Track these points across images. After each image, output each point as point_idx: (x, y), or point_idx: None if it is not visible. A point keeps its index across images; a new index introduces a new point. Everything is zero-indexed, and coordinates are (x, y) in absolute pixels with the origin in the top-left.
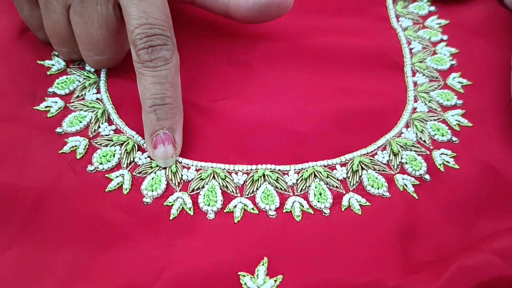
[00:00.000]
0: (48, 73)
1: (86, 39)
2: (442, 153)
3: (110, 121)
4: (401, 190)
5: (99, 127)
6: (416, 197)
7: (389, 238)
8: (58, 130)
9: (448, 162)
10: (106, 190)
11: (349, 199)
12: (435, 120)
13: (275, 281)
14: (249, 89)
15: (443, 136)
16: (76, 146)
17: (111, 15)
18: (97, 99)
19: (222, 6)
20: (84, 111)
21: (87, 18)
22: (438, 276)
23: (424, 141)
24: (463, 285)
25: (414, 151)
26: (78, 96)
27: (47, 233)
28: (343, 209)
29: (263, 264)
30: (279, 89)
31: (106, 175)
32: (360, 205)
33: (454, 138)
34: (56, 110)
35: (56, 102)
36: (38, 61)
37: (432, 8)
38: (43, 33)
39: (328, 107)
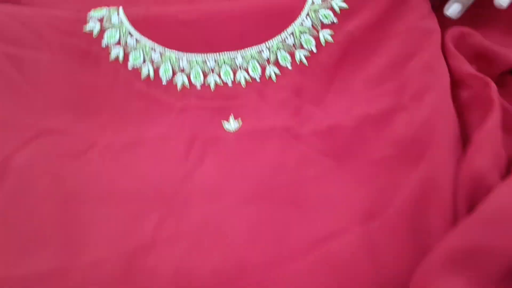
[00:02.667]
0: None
1: None
2: (326, 33)
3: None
4: (298, 63)
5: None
6: (307, 64)
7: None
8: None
9: (328, 38)
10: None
11: (270, 70)
12: (325, 8)
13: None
14: None
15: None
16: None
17: None
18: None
19: None
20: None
21: None
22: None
23: (316, 25)
24: None
25: (309, 34)
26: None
27: None
28: (267, 78)
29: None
30: None
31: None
32: (275, 74)
33: (335, 20)
34: (98, 31)
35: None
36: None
37: None
38: None
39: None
